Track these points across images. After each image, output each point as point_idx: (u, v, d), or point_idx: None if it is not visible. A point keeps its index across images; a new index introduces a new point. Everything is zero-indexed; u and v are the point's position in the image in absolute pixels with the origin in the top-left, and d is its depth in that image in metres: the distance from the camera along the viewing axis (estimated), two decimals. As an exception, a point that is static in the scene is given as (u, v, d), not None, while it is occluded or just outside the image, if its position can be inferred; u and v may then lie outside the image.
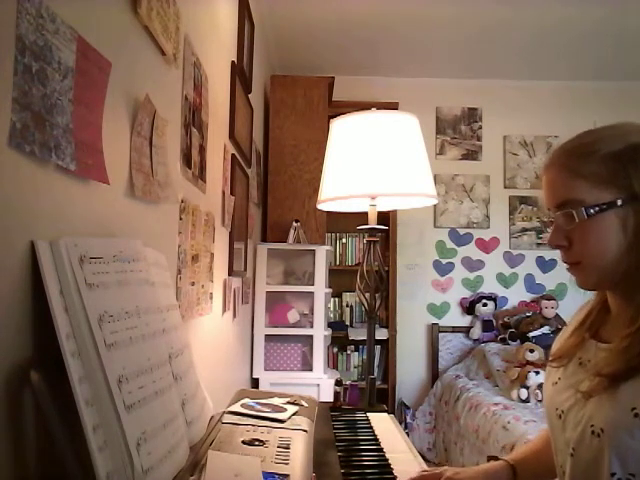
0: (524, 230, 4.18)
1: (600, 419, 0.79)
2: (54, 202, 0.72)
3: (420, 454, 1.18)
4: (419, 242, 4.17)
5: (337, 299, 3.98)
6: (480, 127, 4.24)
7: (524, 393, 3.13)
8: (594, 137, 0.87)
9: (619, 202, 0.81)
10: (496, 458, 1.06)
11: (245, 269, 2.48)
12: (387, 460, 1.11)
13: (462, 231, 4.20)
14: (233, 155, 2.11)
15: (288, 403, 1.10)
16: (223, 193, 1.92)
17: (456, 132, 4.24)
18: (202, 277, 1.58)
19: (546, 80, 4.17)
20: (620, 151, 0.82)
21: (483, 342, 3.91)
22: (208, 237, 1.66)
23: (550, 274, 4.15)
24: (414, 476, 1.02)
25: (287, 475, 0.76)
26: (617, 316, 0.88)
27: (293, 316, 2.94)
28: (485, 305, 4.03)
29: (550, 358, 0.98)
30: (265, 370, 2.91)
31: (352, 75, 4.11)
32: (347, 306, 4.00)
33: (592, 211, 0.82)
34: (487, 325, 3.98)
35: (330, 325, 3.39)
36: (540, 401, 3.06)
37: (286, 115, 3.34)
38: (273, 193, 3.31)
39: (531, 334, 3.62)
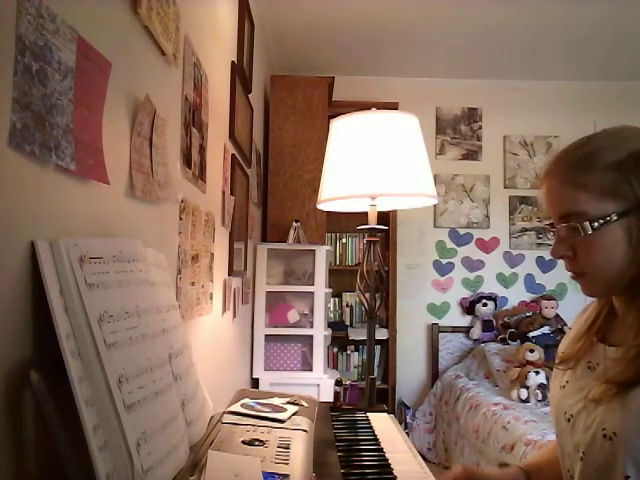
0: (524, 230, 4.17)
1: (612, 423, 0.79)
2: (54, 202, 0.72)
3: (420, 454, 1.18)
4: (419, 242, 4.17)
5: (337, 299, 3.98)
6: (480, 127, 4.24)
7: (524, 393, 3.13)
8: (594, 147, 0.85)
9: (623, 213, 0.80)
10: (507, 465, 1.05)
11: (245, 269, 2.48)
12: (387, 460, 1.11)
13: (462, 231, 4.20)
14: (233, 155, 2.11)
15: (288, 403, 1.10)
16: (223, 193, 1.92)
17: (456, 132, 4.24)
18: (202, 277, 1.58)
19: (546, 80, 4.17)
20: (621, 160, 0.81)
21: (483, 342, 3.91)
22: (208, 237, 1.66)
23: (550, 274, 4.15)
24: None
25: (287, 475, 0.76)
26: (623, 319, 0.89)
27: (293, 316, 2.94)
28: (485, 305, 4.03)
29: (557, 361, 0.98)
30: (265, 370, 2.90)
31: (352, 75, 4.11)
32: (347, 306, 4.00)
33: (596, 224, 0.81)
34: (487, 325, 3.98)
35: (330, 325, 3.39)
36: (540, 401, 3.06)
37: (286, 115, 3.33)
38: (273, 193, 3.31)
39: (531, 334, 3.62)
